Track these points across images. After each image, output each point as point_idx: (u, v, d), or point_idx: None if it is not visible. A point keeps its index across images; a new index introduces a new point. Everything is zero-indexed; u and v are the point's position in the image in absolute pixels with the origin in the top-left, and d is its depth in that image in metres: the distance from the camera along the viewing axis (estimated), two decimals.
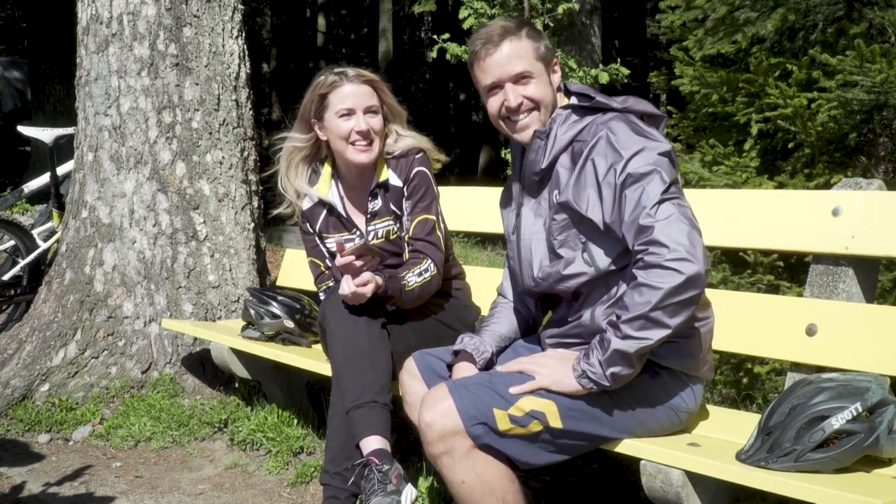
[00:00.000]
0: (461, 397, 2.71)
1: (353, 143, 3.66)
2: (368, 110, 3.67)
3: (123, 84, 5.40)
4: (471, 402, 2.70)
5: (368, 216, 3.78)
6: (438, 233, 3.74)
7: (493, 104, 2.96)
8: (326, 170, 3.84)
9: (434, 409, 2.72)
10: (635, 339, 2.59)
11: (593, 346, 2.68)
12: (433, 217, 3.75)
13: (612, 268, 2.82)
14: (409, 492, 3.08)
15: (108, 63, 5.43)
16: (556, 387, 2.71)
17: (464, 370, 3.02)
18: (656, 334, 2.58)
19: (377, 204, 3.75)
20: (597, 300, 2.87)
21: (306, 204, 3.88)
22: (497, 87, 2.92)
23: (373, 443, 3.19)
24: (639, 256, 2.59)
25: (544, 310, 3.28)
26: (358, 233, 3.79)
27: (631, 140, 2.72)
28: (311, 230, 3.91)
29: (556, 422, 2.71)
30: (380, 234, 3.75)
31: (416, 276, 3.61)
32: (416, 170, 3.76)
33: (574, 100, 2.95)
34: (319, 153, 3.87)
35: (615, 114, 2.84)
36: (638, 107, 2.89)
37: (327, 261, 3.87)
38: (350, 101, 3.65)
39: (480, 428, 2.69)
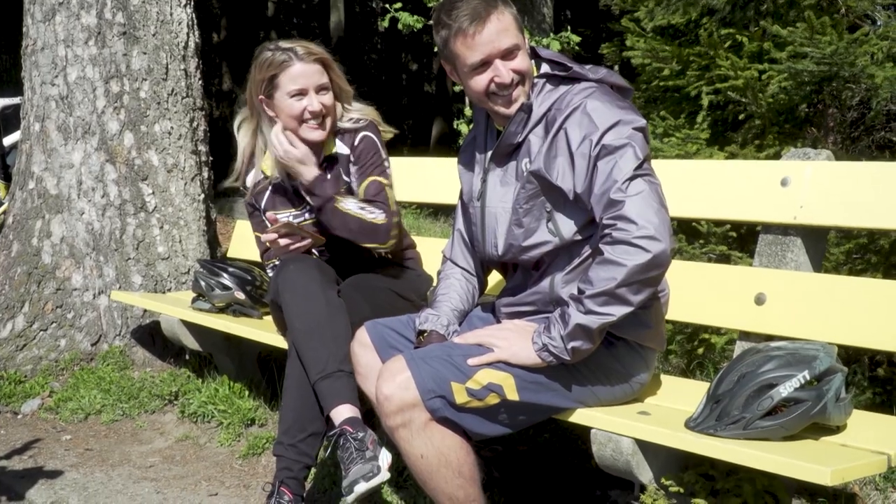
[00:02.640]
0: (419, 370, 2.70)
1: (305, 122, 3.62)
2: (320, 89, 3.63)
3: (70, 53, 5.32)
4: (429, 374, 2.69)
5: None
6: (390, 195, 3.68)
7: (480, 81, 2.83)
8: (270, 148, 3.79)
9: (392, 381, 2.71)
10: (598, 315, 2.58)
11: (554, 319, 2.67)
12: (383, 181, 3.69)
13: (577, 237, 2.80)
14: (384, 456, 3.06)
15: (54, 32, 5.34)
16: (515, 360, 2.71)
17: None
18: (619, 311, 2.58)
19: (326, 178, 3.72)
20: (557, 269, 2.87)
21: (250, 181, 3.85)
22: (486, 63, 2.81)
23: (344, 412, 3.17)
24: (606, 231, 2.58)
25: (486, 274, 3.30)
26: (307, 208, 3.76)
27: (608, 112, 2.69)
28: (255, 205, 3.88)
29: (512, 394, 2.71)
30: None
31: (355, 206, 3.56)
32: (361, 134, 3.72)
33: (547, 67, 2.89)
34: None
35: (591, 84, 2.81)
36: (610, 79, 2.86)
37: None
38: (301, 82, 3.59)
39: (438, 401, 2.68)
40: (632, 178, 2.58)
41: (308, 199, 3.60)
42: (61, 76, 5.33)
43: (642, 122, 2.71)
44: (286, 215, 3.76)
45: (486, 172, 3.00)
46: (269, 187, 3.81)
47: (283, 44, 3.65)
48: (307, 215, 3.75)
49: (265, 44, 3.74)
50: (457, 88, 8.27)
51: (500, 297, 3.11)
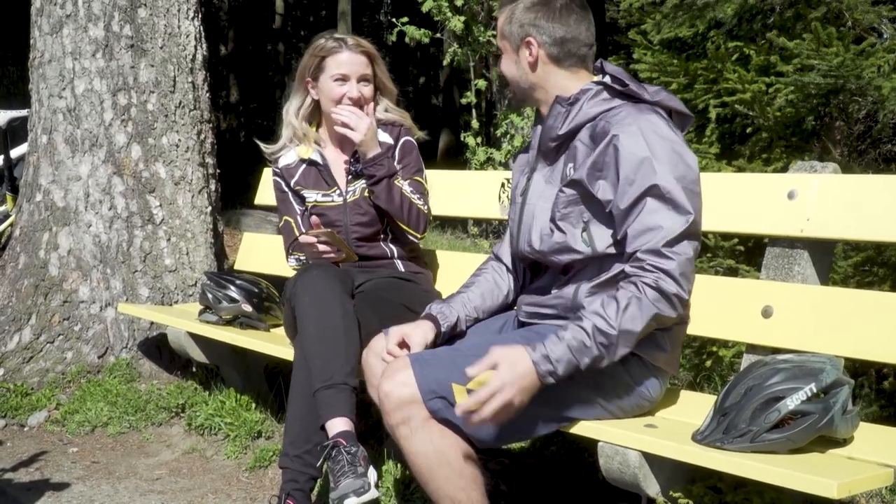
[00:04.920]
0: (421, 370, 2.70)
1: None
2: (362, 79, 3.85)
3: (78, 66, 5.34)
4: (431, 375, 2.69)
5: (350, 176, 3.90)
6: (427, 198, 3.93)
7: None
8: (310, 133, 3.98)
9: (393, 379, 2.72)
10: (616, 355, 2.62)
11: (569, 345, 2.57)
12: (424, 183, 3.94)
13: (611, 251, 2.79)
14: (372, 474, 3.11)
15: (62, 44, 5.36)
16: (525, 395, 2.57)
17: (419, 327, 3.00)
18: (625, 351, 2.64)
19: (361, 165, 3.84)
20: (585, 277, 2.84)
21: (283, 161, 4.01)
22: None
23: (339, 424, 3.20)
24: (648, 273, 2.60)
25: (530, 276, 3.25)
26: (337, 191, 3.90)
27: (664, 146, 2.67)
28: (285, 189, 4.03)
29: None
30: (357, 192, 3.87)
31: (408, 188, 3.82)
32: (405, 138, 3.95)
33: (608, 79, 2.87)
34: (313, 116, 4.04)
35: (649, 107, 2.77)
36: (669, 103, 2.82)
37: (299, 218, 3.99)
38: (346, 68, 3.81)
39: (439, 402, 2.68)
40: (680, 238, 2.62)
41: (369, 169, 3.75)
42: (69, 88, 5.35)
43: (695, 161, 2.72)
44: (315, 194, 3.93)
45: (533, 170, 3.02)
46: (302, 166, 3.98)
47: (338, 34, 3.92)
48: (335, 197, 3.90)
49: (322, 33, 3.99)
50: (464, 101, 8.25)
51: (524, 293, 3.10)
